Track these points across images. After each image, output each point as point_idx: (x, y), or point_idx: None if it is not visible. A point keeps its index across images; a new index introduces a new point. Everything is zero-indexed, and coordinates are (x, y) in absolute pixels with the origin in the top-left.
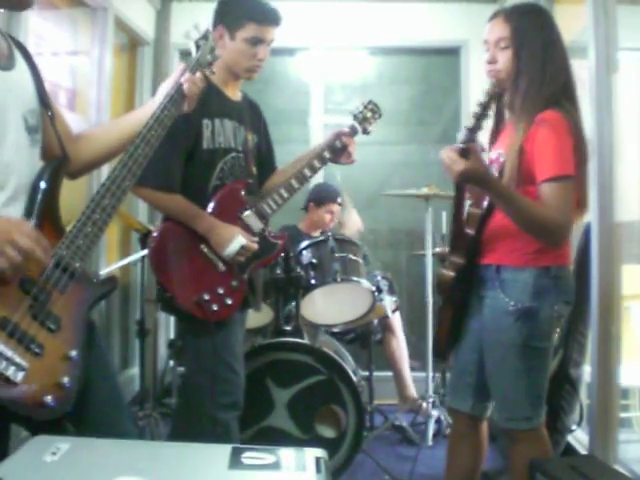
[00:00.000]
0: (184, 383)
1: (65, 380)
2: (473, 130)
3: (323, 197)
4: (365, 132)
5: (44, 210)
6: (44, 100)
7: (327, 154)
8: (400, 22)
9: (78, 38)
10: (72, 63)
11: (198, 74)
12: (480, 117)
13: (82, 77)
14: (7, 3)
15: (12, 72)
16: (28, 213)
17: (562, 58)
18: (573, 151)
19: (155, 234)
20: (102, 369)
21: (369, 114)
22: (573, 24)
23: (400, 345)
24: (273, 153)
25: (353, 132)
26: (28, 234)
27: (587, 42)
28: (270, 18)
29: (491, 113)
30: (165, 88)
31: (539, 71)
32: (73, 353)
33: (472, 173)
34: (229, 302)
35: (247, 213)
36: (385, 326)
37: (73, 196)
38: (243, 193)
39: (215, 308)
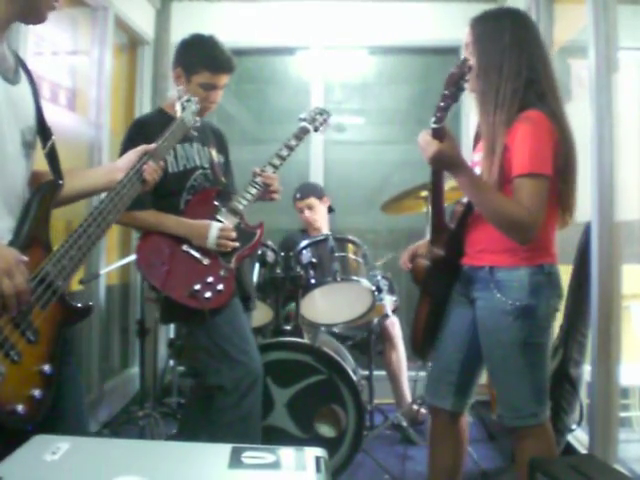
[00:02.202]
0: (196, 386)
1: (37, 392)
2: (442, 109)
3: (296, 193)
4: (316, 130)
5: (33, 229)
6: (43, 122)
7: (293, 142)
8: (400, 22)
9: (78, 38)
10: (72, 63)
11: (161, 163)
12: (449, 97)
13: (82, 77)
14: (22, 18)
15: (17, 87)
16: (18, 231)
17: (524, 56)
18: (554, 151)
19: (139, 245)
20: (72, 391)
21: (317, 116)
22: (573, 24)
23: (400, 358)
24: (232, 182)
25: (305, 132)
26: (24, 274)
27: (587, 42)
28: (224, 67)
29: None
30: (128, 159)
31: (496, 72)
32: (47, 367)
33: (444, 155)
34: (221, 288)
35: (221, 212)
36: (385, 337)
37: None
38: (214, 198)
39: (208, 295)
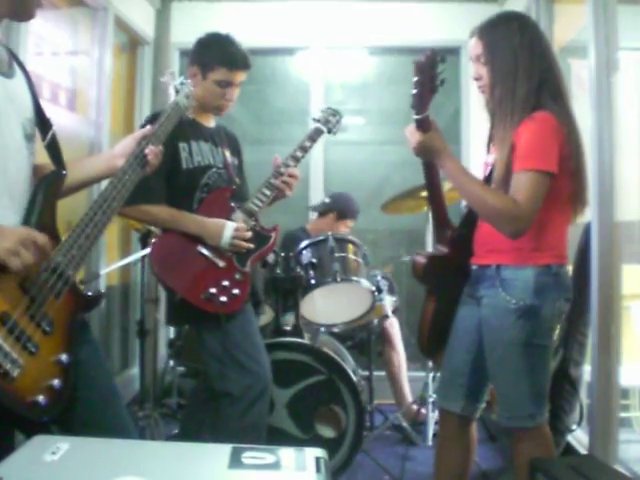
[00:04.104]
0: (200, 388)
1: (56, 382)
2: (417, 97)
3: (347, 212)
4: (330, 132)
5: (41, 220)
6: (42, 115)
7: (307, 144)
8: (400, 22)
9: (78, 38)
10: (72, 63)
11: (160, 147)
12: (420, 84)
13: (82, 77)
14: (12, 15)
15: (13, 80)
16: (26, 223)
17: (536, 59)
18: (563, 151)
19: (153, 247)
20: (97, 365)
21: (330, 117)
22: (573, 24)
23: (399, 360)
24: (246, 185)
25: (319, 133)
26: (32, 250)
27: (587, 42)
28: (240, 64)
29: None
30: (125, 144)
31: (511, 78)
32: (64, 357)
33: (426, 145)
34: (236, 292)
35: (236, 214)
36: (385, 338)
37: (74, 198)
38: (229, 198)
39: (224, 299)
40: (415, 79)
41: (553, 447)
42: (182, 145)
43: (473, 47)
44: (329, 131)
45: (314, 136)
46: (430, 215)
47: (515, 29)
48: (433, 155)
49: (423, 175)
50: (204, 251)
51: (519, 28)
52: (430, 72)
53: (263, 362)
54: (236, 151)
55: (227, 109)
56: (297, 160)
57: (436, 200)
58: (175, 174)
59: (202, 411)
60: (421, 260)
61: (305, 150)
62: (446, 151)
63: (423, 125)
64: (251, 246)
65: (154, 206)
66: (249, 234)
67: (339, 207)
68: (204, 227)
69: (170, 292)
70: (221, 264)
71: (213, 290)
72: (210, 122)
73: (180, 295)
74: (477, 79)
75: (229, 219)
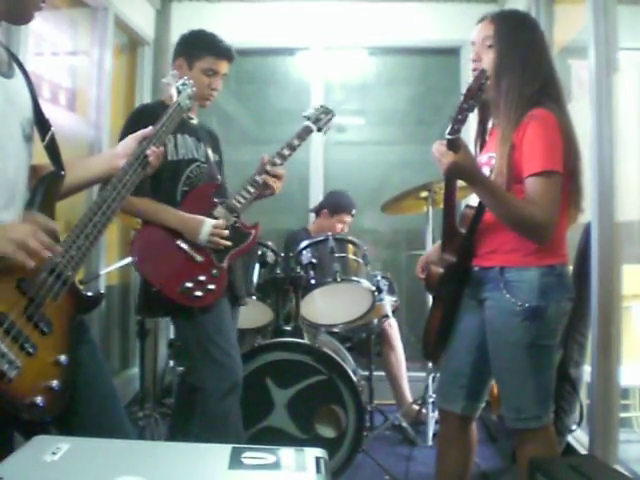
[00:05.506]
0: (182, 381)
1: (55, 383)
2: (459, 121)
3: (338, 207)
4: (320, 130)
5: None
6: (41, 115)
7: (295, 142)
8: (400, 22)
9: (78, 38)
10: (72, 63)
11: (161, 148)
12: (466, 108)
13: (82, 77)
14: (9, 17)
15: (12, 80)
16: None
17: (543, 60)
18: (563, 150)
19: (135, 238)
20: (96, 366)
21: (322, 115)
22: (573, 24)
23: (398, 359)
24: (225, 184)
25: (308, 132)
26: (39, 241)
27: (587, 42)
28: (226, 53)
29: (475, 111)
30: (126, 144)
31: (519, 71)
32: (62, 358)
33: (459, 166)
34: (212, 287)
35: (218, 209)
36: (383, 338)
37: (74, 198)
38: (213, 194)
39: (199, 294)
40: (464, 105)
41: (557, 448)
42: (168, 137)
43: (481, 29)
44: (319, 129)
45: (303, 135)
46: (430, 218)
47: (528, 27)
48: (465, 176)
49: (444, 186)
50: (183, 245)
51: (531, 28)
52: (478, 94)
53: (235, 357)
54: (217, 148)
55: (211, 100)
56: (284, 158)
57: (450, 210)
58: (160, 165)
59: (185, 405)
60: (437, 270)
61: (293, 148)
62: (478, 171)
63: (454, 144)
64: (228, 243)
65: (137, 198)
66: (226, 232)
67: (330, 203)
68: (183, 222)
69: (146, 284)
70: (199, 259)
71: (189, 284)
72: (194, 118)
73: (156, 288)
74: (475, 60)
75: (211, 214)
